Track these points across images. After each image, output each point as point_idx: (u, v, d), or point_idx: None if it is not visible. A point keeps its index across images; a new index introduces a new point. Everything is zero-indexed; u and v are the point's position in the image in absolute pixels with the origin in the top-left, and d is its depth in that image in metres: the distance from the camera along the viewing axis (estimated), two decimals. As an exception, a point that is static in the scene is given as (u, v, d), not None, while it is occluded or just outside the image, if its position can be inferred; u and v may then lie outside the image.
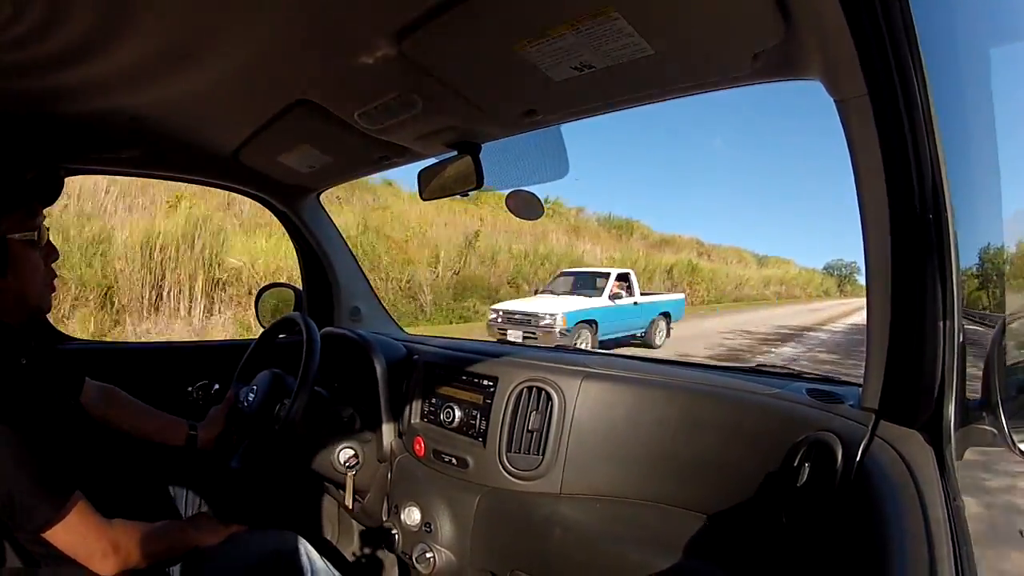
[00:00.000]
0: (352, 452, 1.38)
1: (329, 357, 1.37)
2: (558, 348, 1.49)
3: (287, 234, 1.87)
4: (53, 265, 1.02)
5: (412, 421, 1.39)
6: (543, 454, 1.11)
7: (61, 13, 0.73)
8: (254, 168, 1.46)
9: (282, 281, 2.69)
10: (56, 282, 1.03)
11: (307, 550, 1.13)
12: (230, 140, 1.29)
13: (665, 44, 0.74)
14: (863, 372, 0.80)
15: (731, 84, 0.84)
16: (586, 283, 10.17)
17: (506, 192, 1.26)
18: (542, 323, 8.53)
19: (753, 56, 0.74)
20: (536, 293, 10.95)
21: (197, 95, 1.02)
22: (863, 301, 0.79)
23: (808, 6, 0.63)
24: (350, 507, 1.43)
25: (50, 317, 1.47)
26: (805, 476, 0.76)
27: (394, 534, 1.34)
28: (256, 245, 9.69)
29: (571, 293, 9.91)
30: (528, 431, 1.14)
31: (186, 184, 2.54)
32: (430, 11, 0.73)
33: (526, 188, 1.25)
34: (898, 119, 0.64)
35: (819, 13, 0.62)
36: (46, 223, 0.99)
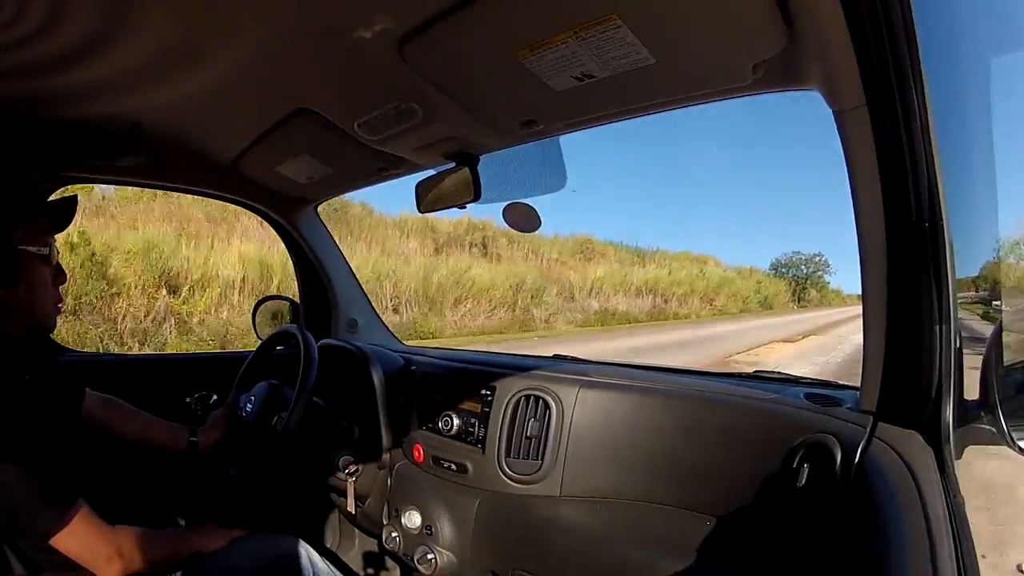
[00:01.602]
0: (351, 460, 1.38)
1: (327, 368, 1.37)
2: (556, 357, 1.49)
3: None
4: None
5: (411, 430, 1.39)
6: (542, 459, 1.12)
7: (60, 16, 0.73)
8: (253, 179, 1.47)
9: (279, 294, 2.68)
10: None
11: (309, 553, 1.13)
12: (229, 149, 1.29)
13: (667, 53, 0.75)
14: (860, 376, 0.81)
15: (731, 95, 0.85)
16: None
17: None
18: None
19: (754, 66, 0.75)
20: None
21: (197, 101, 1.02)
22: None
23: (811, 16, 0.63)
24: (353, 512, 1.43)
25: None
26: (804, 477, 0.77)
27: (395, 537, 1.34)
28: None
29: None
30: (527, 438, 1.15)
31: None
32: (431, 18, 0.73)
33: (523, 200, 1.26)
34: (896, 129, 0.65)
35: (821, 23, 0.63)
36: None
